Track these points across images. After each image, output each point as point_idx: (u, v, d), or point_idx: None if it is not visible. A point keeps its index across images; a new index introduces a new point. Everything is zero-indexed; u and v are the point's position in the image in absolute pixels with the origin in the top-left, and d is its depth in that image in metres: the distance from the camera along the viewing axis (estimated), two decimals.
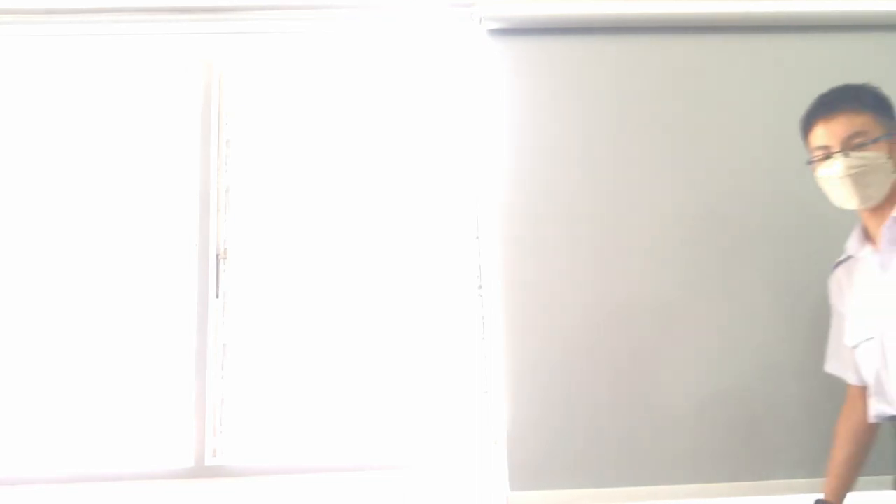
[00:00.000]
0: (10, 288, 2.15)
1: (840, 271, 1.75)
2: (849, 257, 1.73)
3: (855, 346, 1.67)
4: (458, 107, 2.26)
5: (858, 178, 1.57)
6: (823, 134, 1.62)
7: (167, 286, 2.15)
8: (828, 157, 1.61)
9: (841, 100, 1.64)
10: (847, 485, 1.72)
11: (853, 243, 1.71)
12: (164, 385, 2.11)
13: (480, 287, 2.16)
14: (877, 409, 1.63)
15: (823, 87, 2.21)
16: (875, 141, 1.58)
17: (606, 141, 2.17)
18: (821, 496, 1.73)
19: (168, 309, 2.14)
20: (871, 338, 1.62)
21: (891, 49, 2.26)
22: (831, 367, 1.79)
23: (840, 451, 1.72)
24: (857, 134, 1.59)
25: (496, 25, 2.21)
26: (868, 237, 1.67)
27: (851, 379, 1.72)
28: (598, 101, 2.18)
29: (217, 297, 2.14)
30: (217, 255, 2.16)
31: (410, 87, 2.27)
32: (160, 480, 2.06)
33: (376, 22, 2.23)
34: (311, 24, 2.22)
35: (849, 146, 1.59)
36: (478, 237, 2.18)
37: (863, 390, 1.69)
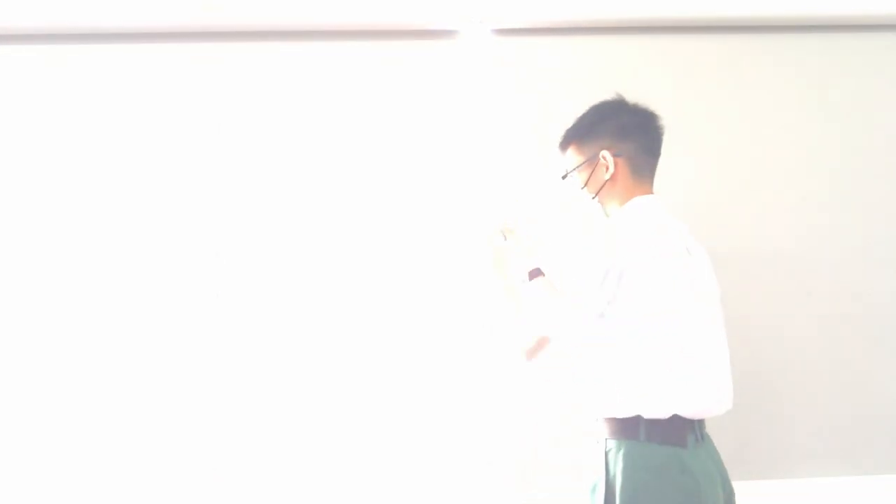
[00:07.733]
0: (9, 288, 2.14)
1: None
2: None
3: None
4: (460, 106, 2.26)
5: None
6: None
7: (166, 286, 2.14)
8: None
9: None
10: None
11: None
12: (164, 385, 2.11)
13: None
14: None
15: (824, 86, 2.25)
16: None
17: None
18: None
19: (167, 309, 2.13)
20: None
21: (891, 49, 2.27)
22: None
23: None
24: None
25: (499, 25, 2.22)
26: None
27: None
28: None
29: (217, 296, 2.13)
30: (217, 255, 2.15)
31: (412, 85, 2.26)
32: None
33: (377, 21, 2.23)
34: (310, 21, 2.22)
35: None
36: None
37: None
